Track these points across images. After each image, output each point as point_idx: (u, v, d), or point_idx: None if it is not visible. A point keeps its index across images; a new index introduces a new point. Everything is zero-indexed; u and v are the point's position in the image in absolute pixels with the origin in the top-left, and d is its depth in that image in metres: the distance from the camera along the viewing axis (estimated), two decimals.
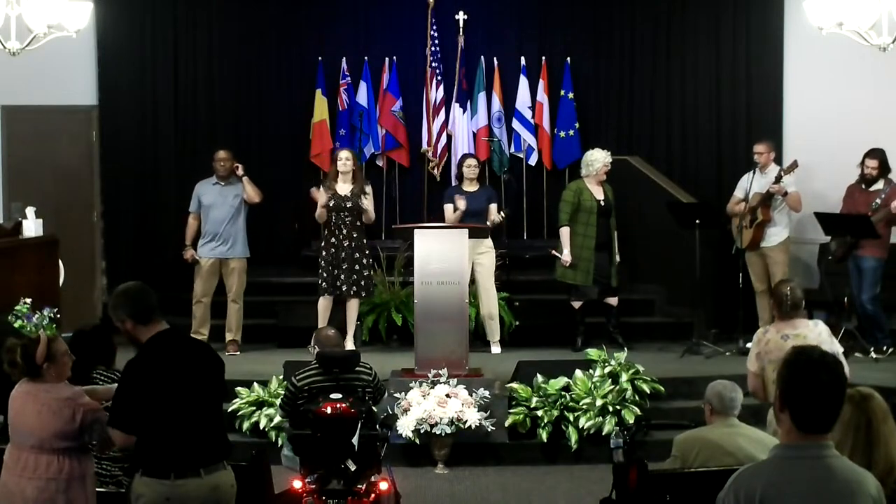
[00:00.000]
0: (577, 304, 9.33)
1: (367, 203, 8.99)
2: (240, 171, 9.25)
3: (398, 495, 5.75)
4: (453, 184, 10.43)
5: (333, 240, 8.94)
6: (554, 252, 9.31)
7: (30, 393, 4.65)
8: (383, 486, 5.51)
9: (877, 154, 9.06)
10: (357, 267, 8.93)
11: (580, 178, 9.33)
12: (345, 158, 9.02)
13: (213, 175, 9.36)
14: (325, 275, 8.94)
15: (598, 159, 9.23)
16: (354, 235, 8.94)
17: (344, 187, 8.96)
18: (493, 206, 9.29)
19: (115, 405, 4.37)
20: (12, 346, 4.71)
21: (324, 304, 8.99)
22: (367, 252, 9.02)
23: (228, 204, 9.26)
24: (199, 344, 4.90)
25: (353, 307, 9.05)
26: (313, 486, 5.37)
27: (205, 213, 9.31)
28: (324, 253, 8.98)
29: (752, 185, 9.16)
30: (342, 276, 8.90)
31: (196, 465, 4.32)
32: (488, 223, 9.12)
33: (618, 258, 9.31)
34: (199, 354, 4.53)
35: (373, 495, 5.40)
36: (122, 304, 4.35)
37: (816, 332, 5.94)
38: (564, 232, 9.19)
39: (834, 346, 5.93)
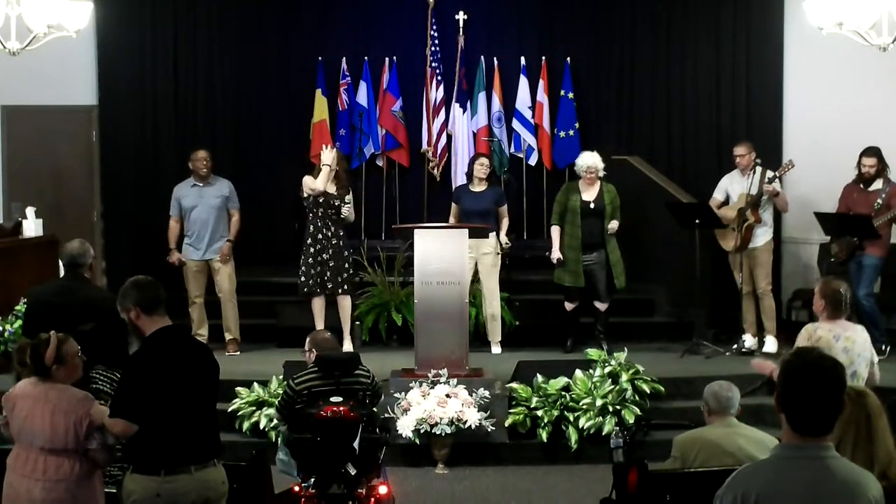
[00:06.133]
0: (569, 306, 9.28)
1: (347, 204, 8.94)
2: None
3: (393, 499, 5.74)
4: (459, 182, 10.44)
5: (320, 236, 8.90)
6: (547, 252, 9.32)
7: (41, 394, 4.64)
8: (382, 489, 5.50)
9: (873, 152, 9.02)
10: (345, 265, 8.93)
11: (577, 179, 9.31)
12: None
13: (191, 176, 9.32)
14: (310, 272, 8.91)
15: (580, 161, 9.16)
16: (341, 234, 8.95)
17: (330, 186, 8.97)
18: (504, 233, 9.23)
19: (118, 396, 4.46)
20: (23, 346, 4.76)
21: (318, 304, 8.98)
22: (350, 250, 9.06)
23: (209, 204, 9.24)
24: (198, 344, 4.97)
25: (345, 306, 9.04)
26: (313, 491, 5.36)
27: (186, 216, 9.29)
28: (311, 251, 8.93)
29: (734, 187, 9.16)
30: (328, 274, 8.89)
31: (187, 461, 4.38)
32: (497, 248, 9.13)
33: (616, 258, 9.04)
34: (198, 354, 4.62)
35: (372, 499, 5.40)
36: (131, 292, 4.50)
37: (864, 339, 6.05)
38: (553, 231, 9.21)
39: (872, 355, 6.10)
